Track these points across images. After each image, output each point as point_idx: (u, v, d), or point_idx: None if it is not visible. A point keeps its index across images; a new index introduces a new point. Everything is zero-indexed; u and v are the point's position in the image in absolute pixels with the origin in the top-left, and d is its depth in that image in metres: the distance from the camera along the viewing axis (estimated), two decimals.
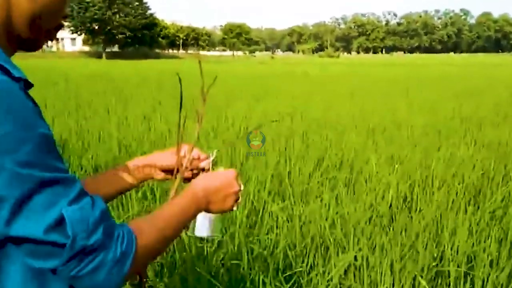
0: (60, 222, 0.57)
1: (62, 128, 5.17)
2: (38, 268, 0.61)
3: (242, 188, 0.90)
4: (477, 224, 2.65)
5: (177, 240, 2.52)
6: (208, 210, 0.86)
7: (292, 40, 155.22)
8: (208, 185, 0.85)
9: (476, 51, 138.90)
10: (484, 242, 2.44)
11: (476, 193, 3.40)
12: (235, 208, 0.90)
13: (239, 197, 0.90)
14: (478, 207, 3.00)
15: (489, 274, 2.13)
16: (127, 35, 67.45)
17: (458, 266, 2.22)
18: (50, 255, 0.58)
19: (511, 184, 3.46)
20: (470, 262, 2.33)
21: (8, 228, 0.55)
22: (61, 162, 0.61)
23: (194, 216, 0.82)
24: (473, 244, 2.43)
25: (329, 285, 2.08)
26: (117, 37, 68.17)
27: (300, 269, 2.27)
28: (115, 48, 75.73)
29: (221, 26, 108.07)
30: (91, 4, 65.28)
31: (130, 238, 0.65)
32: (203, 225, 0.95)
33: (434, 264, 2.31)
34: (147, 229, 0.69)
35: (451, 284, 2.21)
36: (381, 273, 2.16)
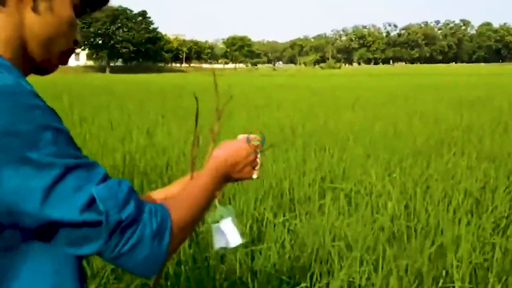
0: (91, 202, 0.59)
1: None
2: (53, 268, 0.63)
3: (259, 156, 0.92)
4: (479, 236, 2.64)
5: (182, 252, 2.53)
6: (229, 180, 0.89)
7: (294, 52, 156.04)
8: (226, 157, 0.87)
9: (477, 61, 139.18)
10: (488, 253, 2.44)
11: (478, 204, 3.39)
12: (255, 176, 0.92)
13: (257, 164, 0.92)
14: (480, 218, 2.99)
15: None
16: (131, 49, 68.13)
17: (462, 277, 2.22)
18: (89, 238, 0.60)
19: None
20: (475, 273, 2.32)
21: (43, 215, 0.57)
22: (80, 152, 0.64)
23: (218, 189, 0.84)
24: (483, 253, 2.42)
25: None
26: (120, 52, 68.83)
27: (304, 284, 2.26)
28: (119, 62, 76.37)
29: (223, 39, 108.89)
30: (94, 19, 66.07)
31: (164, 212, 0.66)
32: (220, 236, 0.94)
33: (441, 279, 2.31)
34: (176, 205, 0.71)
35: None
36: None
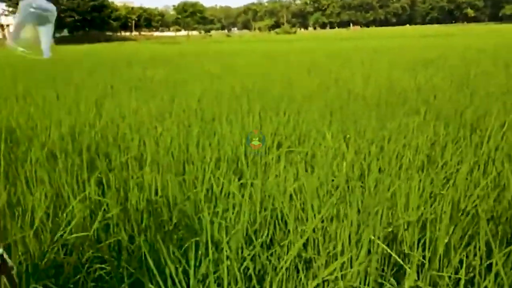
0: None
1: (9, 116, 4.93)
2: None
3: None
4: (429, 191, 2.72)
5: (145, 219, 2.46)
6: None
7: (248, 17, 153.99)
8: None
9: (430, 22, 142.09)
10: (438, 206, 2.51)
11: (429, 161, 3.49)
12: None
13: None
14: (429, 175, 3.07)
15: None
16: (76, 18, 65.03)
17: (412, 232, 2.27)
18: None
19: (463, 151, 3.57)
20: (425, 227, 2.39)
21: None
22: None
23: None
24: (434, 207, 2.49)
25: (288, 259, 2.09)
26: (65, 21, 65.52)
27: (261, 239, 2.26)
28: (65, 33, 72.91)
29: (174, 5, 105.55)
30: None
31: None
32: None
33: (389, 229, 2.37)
34: None
35: (406, 248, 2.27)
36: (340, 242, 2.19)
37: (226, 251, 1.93)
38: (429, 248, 2.11)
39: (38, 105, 5.71)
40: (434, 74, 8.69)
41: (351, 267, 2.10)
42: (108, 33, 79.76)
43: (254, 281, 2.01)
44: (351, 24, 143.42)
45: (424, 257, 2.12)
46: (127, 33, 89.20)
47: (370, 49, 19.62)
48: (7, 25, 75.54)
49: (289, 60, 14.29)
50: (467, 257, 2.22)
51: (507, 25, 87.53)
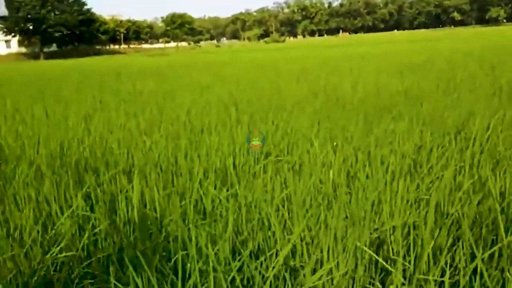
0: None
1: None
2: None
3: None
4: (415, 197, 2.75)
5: (140, 228, 2.47)
6: None
7: (237, 27, 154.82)
8: None
9: (418, 27, 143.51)
10: (422, 210, 2.54)
11: (415, 166, 3.53)
12: None
13: None
14: (414, 180, 3.11)
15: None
16: (65, 33, 64.98)
17: (396, 238, 2.30)
18: None
19: (449, 155, 3.61)
20: (409, 233, 2.42)
21: None
22: None
23: None
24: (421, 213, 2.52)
25: (274, 267, 2.10)
26: (54, 36, 65.47)
27: (247, 250, 2.27)
28: (54, 48, 72.77)
29: (162, 17, 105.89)
30: (23, 3, 62.26)
31: None
32: None
33: (376, 235, 2.39)
34: None
35: (394, 253, 2.29)
36: (326, 249, 2.21)
37: (213, 261, 1.95)
38: (413, 252, 2.14)
39: (27, 123, 5.69)
40: (421, 78, 8.77)
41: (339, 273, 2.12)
42: (97, 46, 79.72)
43: None
44: (340, 31, 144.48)
45: (410, 262, 2.14)
46: (116, 46, 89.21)
47: (358, 55, 19.77)
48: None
49: (279, 69, 14.37)
50: (453, 259, 2.26)
51: (493, 27, 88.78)
